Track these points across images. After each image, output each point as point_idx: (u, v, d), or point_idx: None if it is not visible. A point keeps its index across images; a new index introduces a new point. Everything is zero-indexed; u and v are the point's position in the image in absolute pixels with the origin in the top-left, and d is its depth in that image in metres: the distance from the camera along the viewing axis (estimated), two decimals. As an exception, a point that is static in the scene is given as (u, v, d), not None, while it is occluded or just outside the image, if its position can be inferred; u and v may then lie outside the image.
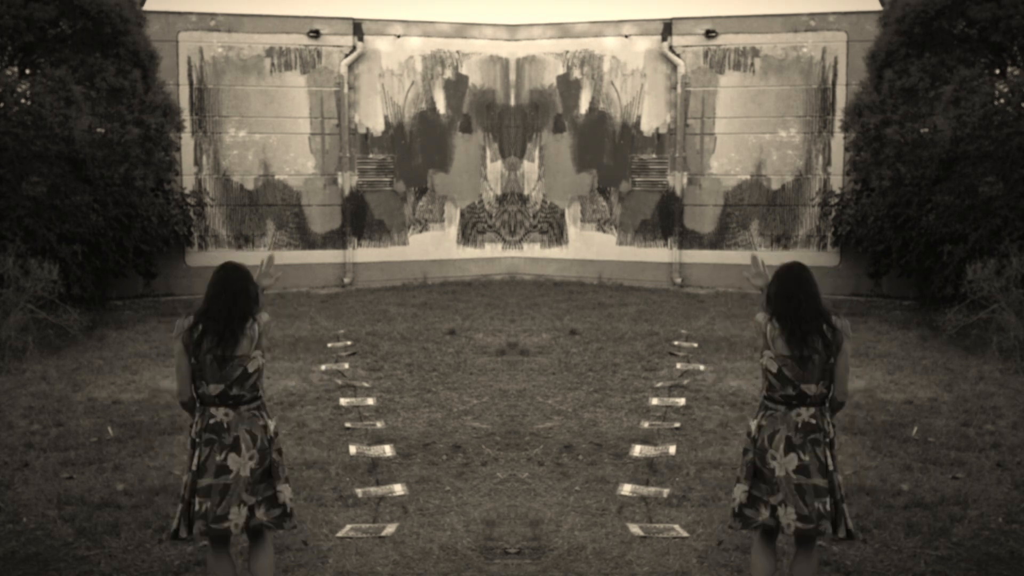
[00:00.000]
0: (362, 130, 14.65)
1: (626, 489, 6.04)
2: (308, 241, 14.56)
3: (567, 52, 15.04)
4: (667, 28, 14.53)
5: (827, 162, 14.10)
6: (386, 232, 14.88)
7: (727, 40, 14.35)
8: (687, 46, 14.48)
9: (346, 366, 9.23)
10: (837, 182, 13.93)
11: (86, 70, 11.65)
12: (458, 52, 14.99)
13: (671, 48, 14.48)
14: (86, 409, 7.76)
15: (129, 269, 12.71)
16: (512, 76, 15.25)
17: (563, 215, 15.31)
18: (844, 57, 13.91)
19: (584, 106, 15.04)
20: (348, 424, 7.40)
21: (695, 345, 10.18)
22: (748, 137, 14.36)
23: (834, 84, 13.98)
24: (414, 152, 14.95)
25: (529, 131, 15.29)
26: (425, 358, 9.58)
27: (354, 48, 14.46)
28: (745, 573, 4.81)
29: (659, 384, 8.59)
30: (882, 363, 9.43)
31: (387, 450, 6.76)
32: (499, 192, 15.39)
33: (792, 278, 4.23)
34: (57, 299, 10.13)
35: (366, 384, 8.59)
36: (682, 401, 8.01)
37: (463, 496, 5.92)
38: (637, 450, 6.77)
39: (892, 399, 8.09)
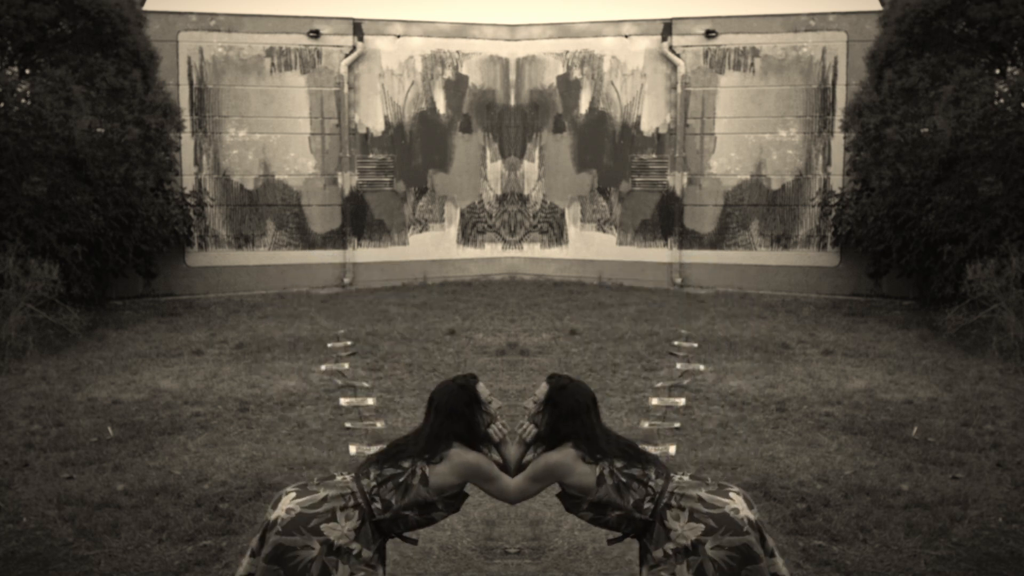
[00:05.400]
0: (362, 130, 14.65)
1: (626, 489, 6.02)
2: (308, 241, 14.56)
3: (567, 52, 15.03)
4: (667, 28, 14.53)
5: (827, 162, 14.09)
6: (386, 232, 14.87)
7: (727, 40, 14.34)
8: (687, 46, 14.47)
9: (346, 366, 9.23)
10: (837, 182, 13.93)
11: (86, 70, 11.64)
12: (458, 52, 14.99)
13: (671, 48, 14.48)
14: (86, 409, 7.76)
15: (129, 269, 12.71)
16: (512, 76, 15.24)
17: (563, 215, 15.31)
18: (844, 57, 13.91)
19: (584, 106, 15.03)
20: (348, 424, 7.40)
21: (695, 345, 10.18)
22: (748, 137, 14.36)
23: (834, 84, 13.98)
24: (414, 152, 14.94)
25: (529, 131, 15.28)
26: (425, 358, 9.58)
27: (354, 48, 14.45)
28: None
29: (659, 384, 8.59)
30: (882, 363, 9.42)
31: (387, 450, 6.76)
32: (499, 192, 15.38)
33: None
34: (57, 299, 10.13)
35: (366, 384, 8.59)
36: (682, 401, 8.01)
37: (463, 496, 5.91)
38: (637, 450, 6.76)
39: (892, 399, 8.08)
